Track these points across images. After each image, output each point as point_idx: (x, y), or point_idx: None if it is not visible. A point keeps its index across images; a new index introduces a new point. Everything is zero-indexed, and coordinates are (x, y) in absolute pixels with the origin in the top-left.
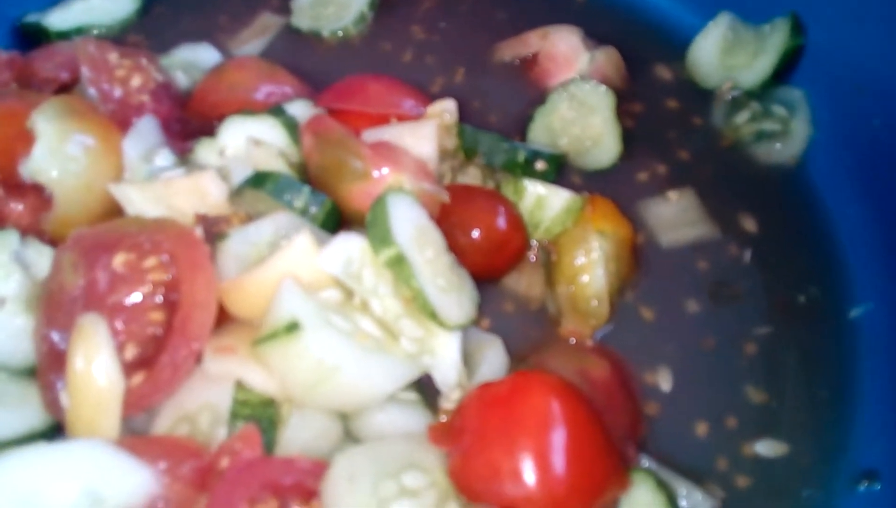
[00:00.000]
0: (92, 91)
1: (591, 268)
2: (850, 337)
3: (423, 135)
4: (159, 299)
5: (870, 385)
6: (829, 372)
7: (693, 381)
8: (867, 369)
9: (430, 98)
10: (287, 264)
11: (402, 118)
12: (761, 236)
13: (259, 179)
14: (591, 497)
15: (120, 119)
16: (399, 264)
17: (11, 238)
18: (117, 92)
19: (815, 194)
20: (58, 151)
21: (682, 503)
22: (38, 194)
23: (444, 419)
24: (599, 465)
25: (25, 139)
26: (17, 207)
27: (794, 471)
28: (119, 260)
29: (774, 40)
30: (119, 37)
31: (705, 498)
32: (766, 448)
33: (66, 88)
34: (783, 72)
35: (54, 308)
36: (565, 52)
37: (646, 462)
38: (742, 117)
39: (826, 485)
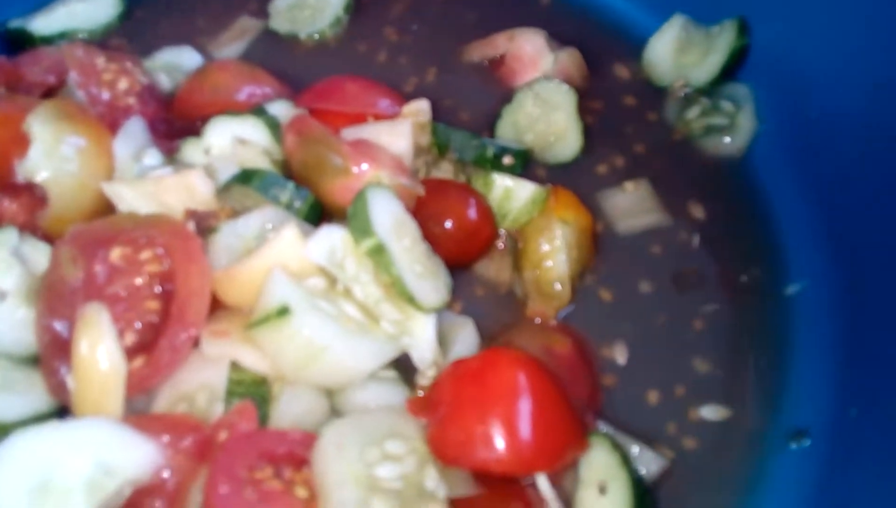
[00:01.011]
0: (80, 94)
1: (554, 254)
2: (786, 312)
3: (399, 133)
4: (155, 289)
5: (802, 354)
6: (767, 343)
7: (646, 354)
8: (801, 340)
9: (404, 97)
10: (275, 254)
11: (378, 117)
12: (709, 222)
13: (247, 176)
14: (554, 458)
15: (108, 121)
16: (379, 253)
17: (11, 235)
18: (105, 95)
19: (757, 183)
20: (53, 153)
21: (636, 462)
22: (31, 193)
23: (420, 394)
24: (562, 430)
25: (20, 142)
26: (12, 206)
27: (736, 432)
28: (116, 254)
29: (723, 40)
30: (101, 41)
31: (656, 458)
32: (710, 412)
33: (52, 91)
34: (731, 70)
35: (55, 300)
36: (530, 53)
37: (603, 427)
38: (693, 113)
39: (763, 443)
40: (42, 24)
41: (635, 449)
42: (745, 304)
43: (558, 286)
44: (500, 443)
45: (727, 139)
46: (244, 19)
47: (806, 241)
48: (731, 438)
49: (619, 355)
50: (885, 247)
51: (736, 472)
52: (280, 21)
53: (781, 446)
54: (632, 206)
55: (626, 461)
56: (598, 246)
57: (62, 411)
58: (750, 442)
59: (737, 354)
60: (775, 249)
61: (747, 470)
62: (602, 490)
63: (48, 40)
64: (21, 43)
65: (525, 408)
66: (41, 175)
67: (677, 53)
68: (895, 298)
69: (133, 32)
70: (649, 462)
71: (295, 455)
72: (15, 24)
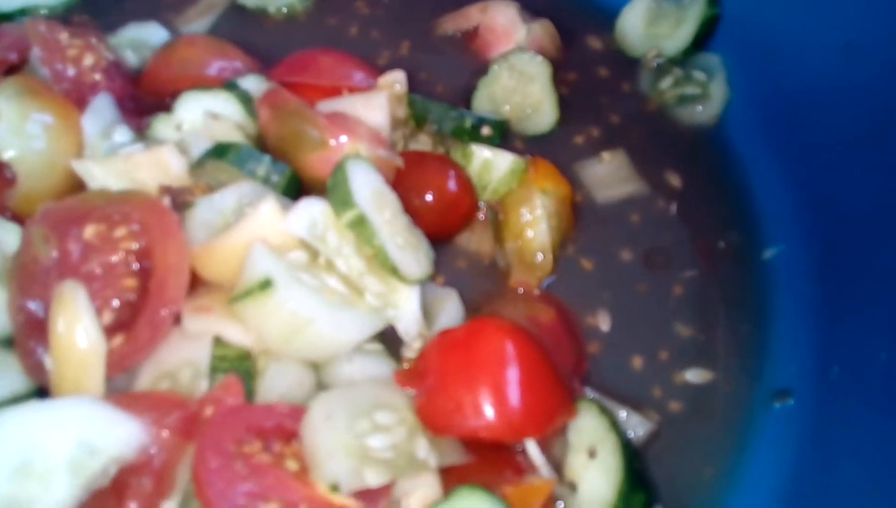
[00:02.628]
0: (45, 71)
1: (535, 224)
2: (764, 276)
3: (376, 105)
4: (132, 266)
5: (782, 316)
6: (746, 307)
7: (629, 321)
8: (779, 302)
9: (378, 70)
10: (255, 228)
11: (353, 90)
12: (685, 190)
13: (221, 150)
14: (543, 423)
15: (75, 98)
16: (360, 225)
17: None
18: (70, 71)
19: (731, 150)
20: (19, 130)
21: (623, 426)
22: None
23: (406, 366)
24: (549, 396)
25: None
26: None
27: (720, 394)
28: (90, 231)
29: (693, 11)
30: (63, 17)
31: (643, 421)
32: (694, 375)
33: (14, 69)
34: (702, 40)
35: (29, 280)
36: (504, 24)
37: (590, 393)
38: (666, 83)
39: (747, 404)
40: (1, 0)
41: (622, 414)
42: (724, 269)
43: (540, 256)
44: (489, 411)
45: (700, 108)
46: None
47: (781, 205)
48: (715, 400)
49: (603, 322)
50: (859, 207)
51: (722, 433)
52: None
53: (765, 406)
54: (609, 176)
55: (615, 425)
56: (578, 216)
57: (40, 392)
58: (734, 403)
59: (717, 318)
60: (751, 214)
61: (733, 431)
62: (591, 454)
63: (8, 17)
64: None
65: (513, 375)
66: (8, 153)
67: (649, 24)
68: (870, 256)
69: (96, 8)
70: (636, 426)
71: (283, 427)
72: None
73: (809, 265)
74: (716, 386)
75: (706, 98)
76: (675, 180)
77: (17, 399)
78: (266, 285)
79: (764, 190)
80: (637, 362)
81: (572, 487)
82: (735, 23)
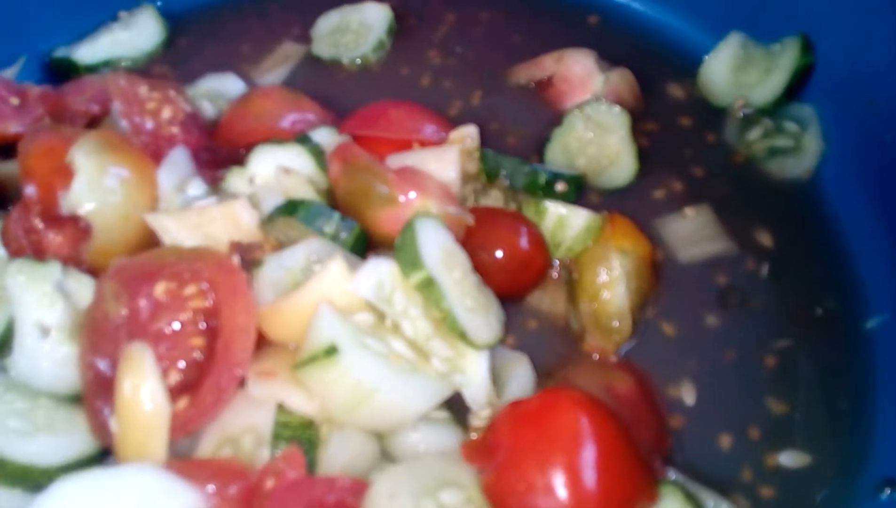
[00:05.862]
0: (124, 123)
1: (612, 285)
2: (866, 348)
3: (447, 160)
4: (200, 325)
5: (887, 395)
6: (847, 383)
7: (716, 394)
8: (884, 379)
9: (449, 121)
10: (322, 288)
11: (424, 143)
12: (777, 250)
13: (291, 207)
14: None
15: (152, 151)
16: (429, 287)
17: (54, 269)
18: (149, 124)
19: (828, 207)
20: (96, 184)
21: None
22: (75, 225)
23: (474, 436)
24: (629, 478)
25: (64, 173)
26: (56, 238)
27: (817, 481)
28: (160, 289)
29: (785, 59)
30: (145, 68)
31: None
32: (788, 458)
33: (96, 120)
34: (794, 89)
35: (98, 336)
36: (580, 73)
37: (673, 474)
38: (755, 134)
39: (849, 494)
40: (86, 52)
41: (709, 501)
42: (821, 339)
43: (617, 320)
44: (562, 493)
45: (793, 162)
46: (287, 45)
47: (884, 269)
48: (812, 487)
49: (687, 394)
50: None
51: None
52: (322, 46)
53: (870, 496)
54: (693, 233)
55: None
56: (659, 276)
57: (105, 453)
58: (834, 492)
59: (814, 394)
60: (851, 279)
61: None
62: None
63: (92, 69)
64: (66, 72)
65: (589, 455)
66: (85, 207)
67: (736, 72)
68: None
69: (176, 60)
70: None
71: (345, 503)
72: (60, 53)
73: None
74: (813, 471)
75: (799, 151)
76: (766, 239)
77: (82, 461)
78: (331, 351)
79: (865, 252)
80: (725, 440)
81: None
82: (830, 72)
